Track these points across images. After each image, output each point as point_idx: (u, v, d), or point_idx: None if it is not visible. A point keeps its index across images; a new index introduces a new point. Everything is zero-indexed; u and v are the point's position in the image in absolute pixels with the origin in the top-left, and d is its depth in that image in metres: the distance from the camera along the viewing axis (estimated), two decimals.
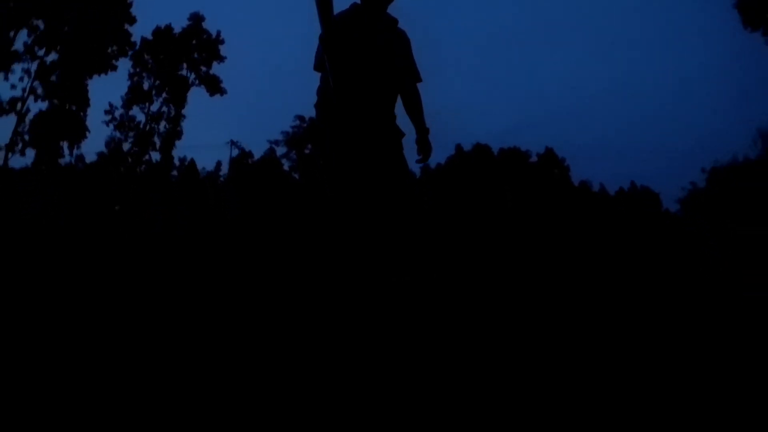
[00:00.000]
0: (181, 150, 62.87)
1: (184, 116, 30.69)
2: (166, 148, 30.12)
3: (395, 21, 2.81)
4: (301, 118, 51.53)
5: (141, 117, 31.27)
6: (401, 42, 2.79)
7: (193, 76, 31.59)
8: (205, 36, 31.67)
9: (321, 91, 2.71)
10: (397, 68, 2.74)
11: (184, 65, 31.31)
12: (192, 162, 51.78)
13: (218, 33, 32.12)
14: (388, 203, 2.64)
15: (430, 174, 59.56)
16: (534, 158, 63.89)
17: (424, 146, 2.82)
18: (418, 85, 2.91)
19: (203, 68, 31.39)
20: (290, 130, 52.31)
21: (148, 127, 30.87)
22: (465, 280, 3.77)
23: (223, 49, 32.37)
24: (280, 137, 52.43)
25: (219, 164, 58.03)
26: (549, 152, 64.22)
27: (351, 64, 2.57)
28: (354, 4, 2.74)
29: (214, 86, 31.68)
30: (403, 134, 2.78)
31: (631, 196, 70.09)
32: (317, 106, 2.72)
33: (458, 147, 61.57)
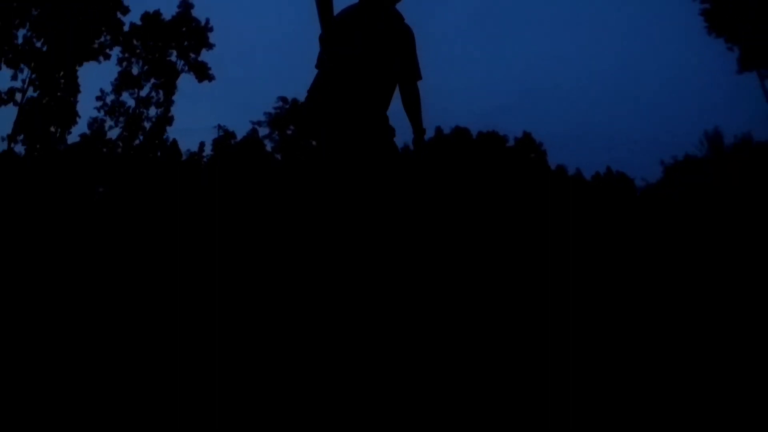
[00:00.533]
0: (171, 134, 63.17)
1: (173, 102, 31.95)
2: (158, 133, 31.37)
3: (401, 18, 2.81)
4: (284, 99, 52.49)
5: (131, 102, 32.42)
6: (404, 40, 2.78)
7: (182, 62, 32.73)
8: (194, 24, 32.75)
9: (317, 90, 2.69)
10: (395, 70, 2.77)
11: (174, 52, 32.41)
12: (174, 142, 52.42)
13: (207, 21, 33.21)
14: (386, 201, 2.65)
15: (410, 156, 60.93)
16: (512, 142, 65.89)
17: (420, 146, 2.89)
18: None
19: (192, 55, 32.56)
20: (273, 111, 52.94)
21: (137, 111, 32.00)
22: (464, 276, 3.68)
23: (212, 36, 33.55)
24: (263, 118, 53.12)
25: (202, 145, 58.71)
26: (527, 136, 66.42)
27: (349, 65, 2.60)
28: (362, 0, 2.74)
29: (203, 73, 32.86)
30: (393, 131, 2.81)
31: (607, 181, 72.30)
32: (312, 103, 2.69)
33: (438, 129, 63.28)
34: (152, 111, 32.20)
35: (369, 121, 2.69)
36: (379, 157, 2.69)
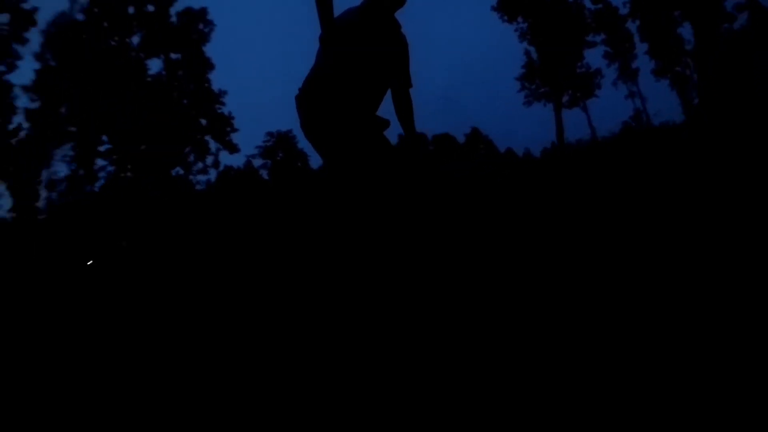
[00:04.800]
0: None
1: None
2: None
3: (399, 26, 2.93)
4: (270, 134, 67.29)
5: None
6: (399, 48, 2.95)
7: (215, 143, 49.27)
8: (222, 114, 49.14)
9: (315, 88, 2.81)
10: (389, 77, 2.94)
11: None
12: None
13: (230, 112, 49.32)
14: (382, 198, 2.75)
15: None
16: (462, 138, 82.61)
17: (415, 152, 3.03)
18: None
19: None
20: (263, 144, 66.37)
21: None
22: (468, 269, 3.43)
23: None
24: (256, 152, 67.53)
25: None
26: (474, 131, 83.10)
27: (346, 67, 2.73)
28: (364, 3, 2.86)
29: (233, 148, 49.30)
30: (388, 122, 2.90)
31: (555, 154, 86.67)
32: (309, 100, 2.81)
33: (400, 137, 79.12)
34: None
35: (362, 121, 2.79)
36: (373, 161, 2.74)
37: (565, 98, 39.49)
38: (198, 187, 48.65)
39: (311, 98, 2.80)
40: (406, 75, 3.02)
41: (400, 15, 2.91)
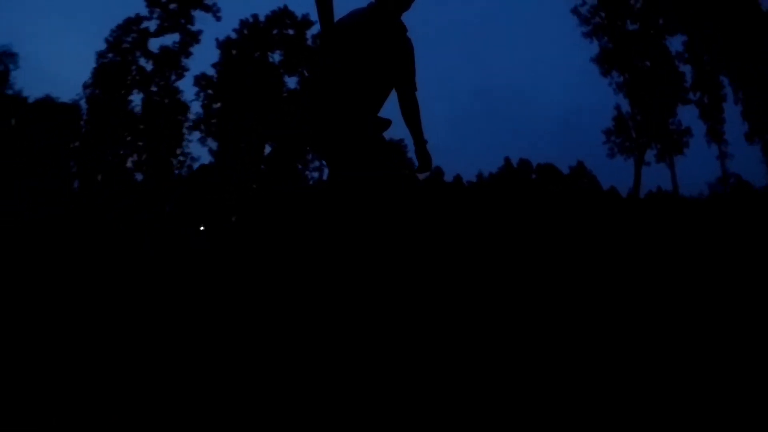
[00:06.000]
0: None
1: None
2: None
3: (404, 29, 2.94)
4: None
5: None
6: (404, 51, 2.95)
7: None
8: None
9: (315, 90, 2.87)
10: (392, 80, 2.94)
11: None
12: None
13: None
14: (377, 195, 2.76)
15: (484, 182, 78.77)
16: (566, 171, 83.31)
17: (423, 156, 3.05)
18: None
19: None
20: None
21: None
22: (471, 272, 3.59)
23: None
24: None
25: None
26: (579, 165, 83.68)
27: (346, 70, 2.73)
28: (370, 5, 2.84)
29: None
30: (389, 122, 2.92)
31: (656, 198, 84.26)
32: (310, 100, 2.87)
33: (507, 159, 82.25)
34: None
35: (356, 120, 2.79)
36: (364, 160, 2.74)
37: (649, 153, 40.18)
38: (310, 182, 56.10)
39: (307, 95, 2.88)
40: (411, 78, 3.02)
41: (406, 18, 2.91)
